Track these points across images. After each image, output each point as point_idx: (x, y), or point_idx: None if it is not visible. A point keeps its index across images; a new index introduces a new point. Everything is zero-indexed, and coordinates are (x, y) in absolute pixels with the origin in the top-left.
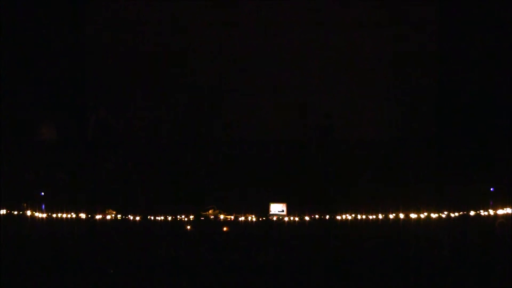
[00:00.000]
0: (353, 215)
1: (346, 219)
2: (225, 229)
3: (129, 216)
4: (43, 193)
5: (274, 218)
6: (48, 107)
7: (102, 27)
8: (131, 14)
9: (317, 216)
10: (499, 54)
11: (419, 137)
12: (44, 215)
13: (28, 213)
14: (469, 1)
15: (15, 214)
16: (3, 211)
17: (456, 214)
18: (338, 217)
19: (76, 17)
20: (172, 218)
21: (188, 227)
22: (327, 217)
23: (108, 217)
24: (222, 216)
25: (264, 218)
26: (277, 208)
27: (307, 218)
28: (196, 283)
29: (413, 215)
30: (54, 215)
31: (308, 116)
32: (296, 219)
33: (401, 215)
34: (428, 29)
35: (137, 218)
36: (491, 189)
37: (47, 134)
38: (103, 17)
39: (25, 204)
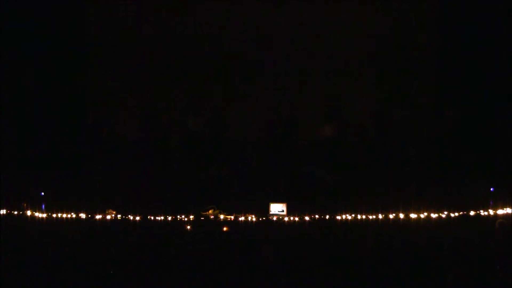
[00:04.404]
0: (353, 215)
1: (346, 219)
2: (225, 229)
3: (129, 216)
4: (43, 193)
5: (274, 218)
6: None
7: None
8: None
9: (317, 216)
10: (500, 53)
11: (419, 137)
12: (44, 215)
13: (28, 213)
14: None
15: (15, 214)
16: (3, 211)
17: (456, 214)
18: (338, 217)
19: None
20: (172, 218)
21: (188, 227)
22: (327, 217)
23: (108, 217)
24: (222, 216)
25: (264, 218)
26: (277, 208)
27: (307, 218)
28: (196, 283)
29: (413, 215)
30: (54, 215)
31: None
32: (296, 219)
33: (401, 215)
34: (428, 28)
35: (137, 218)
36: (491, 189)
37: None
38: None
39: (25, 204)
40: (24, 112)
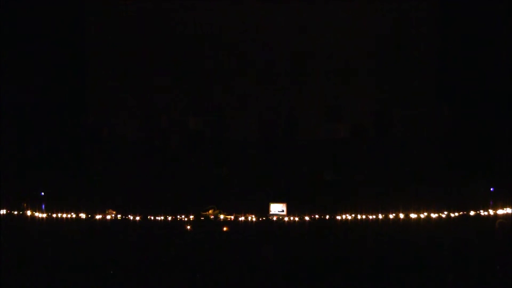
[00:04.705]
0: (353, 215)
1: (346, 219)
2: (225, 229)
3: (129, 216)
4: (43, 193)
5: (274, 218)
6: None
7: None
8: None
9: (317, 216)
10: (500, 53)
11: (419, 137)
12: (44, 215)
13: (28, 213)
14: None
15: (15, 214)
16: (3, 211)
17: (456, 214)
18: (338, 217)
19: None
20: (172, 218)
21: (188, 227)
22: (327, 217)
23: (108, 217)
24: (222, 216)
25: (264, 218)
26: (277, 208)
27: (307, 218)
28: (196, 283)
29: (413, 215)
30: (54, 215)
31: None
32: (296, 219)
33: (401, 215)
34: (429, 29)
35: (137, 218)
36: (491, 189)
37: None
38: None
39: (25, 204)
40: (24, 112)
